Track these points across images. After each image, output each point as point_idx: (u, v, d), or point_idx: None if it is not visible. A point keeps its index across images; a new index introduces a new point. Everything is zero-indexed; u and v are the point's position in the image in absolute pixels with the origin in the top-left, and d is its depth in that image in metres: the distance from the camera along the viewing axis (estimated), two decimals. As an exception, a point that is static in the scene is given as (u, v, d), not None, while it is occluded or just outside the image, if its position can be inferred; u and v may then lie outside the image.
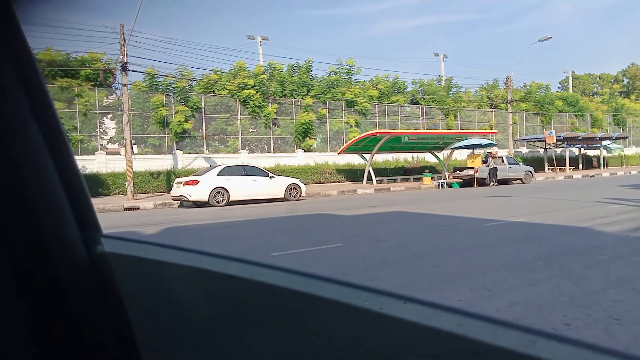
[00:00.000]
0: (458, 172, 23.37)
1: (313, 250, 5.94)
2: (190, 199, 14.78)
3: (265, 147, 27.37)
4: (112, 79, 17.72)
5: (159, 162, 22.14)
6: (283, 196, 16.22)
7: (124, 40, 17.01)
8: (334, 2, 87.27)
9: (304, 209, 12.23)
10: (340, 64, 30.06)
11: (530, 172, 24.60)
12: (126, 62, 16.93)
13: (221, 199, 15.06)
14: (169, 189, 21.50)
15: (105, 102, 23.19)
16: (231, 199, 15.22)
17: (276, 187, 16.23)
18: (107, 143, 23.88)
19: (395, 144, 24.60)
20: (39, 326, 0.75)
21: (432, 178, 23.95)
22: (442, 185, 22.55)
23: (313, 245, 6.28)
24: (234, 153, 25.12)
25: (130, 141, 17.17)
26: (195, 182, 14.91)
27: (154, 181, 21.31)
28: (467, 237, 6.70)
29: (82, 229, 0.83)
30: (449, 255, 5.41)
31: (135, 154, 18.09)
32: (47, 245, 0.77)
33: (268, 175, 16.30)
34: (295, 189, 16.63)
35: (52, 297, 0.76)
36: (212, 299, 0.75)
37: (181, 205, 15.97)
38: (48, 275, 0.76)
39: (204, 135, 25.07)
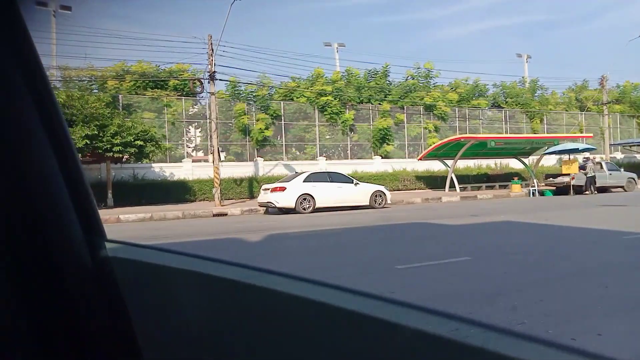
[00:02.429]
0: (551, 179, 21.79)
1: (441, 263, 5.45)
2: (277, 205, 14.76)
3: (342, 153, 27.14)
4: (200, 89, 18.28)
5: (241, 169, 22.53)
6: (368, 203, 15.78)
7: (212, 50, 17.45)
8: (397, 9, 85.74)
9: (399, 217, 11.73)
10: (418, 68, 29.29)
11: (634, 179, 22.45)
12: (214, 72, 17.35)
13: (307, 205, 14.90)
14: (251, 195, 21.83)
15: (191, 111, 24.06)
16: (317, 205, 15.03)
17: (361, 194, 15.84)
18: (192, 151, 24.73)
19: (479, 150, 23.46)
20: (42, 328, 0.75)
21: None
22: (533, 193, 21.08)
23: (437, 258, 5.79)
24: (312, 160, 25.11)
25: (218, 149, 17.55)
26: (283, 189, 14.87)
27: (237, 188, 21.70)
28: (614, 253, 5.91)
29: (87, 233, 0.83)
30: (609, 274, 4.71)
31: (222, 161, 18.47)
32: (51, 248, 0.77)
33: (353, 182, 15.96)
34: (381, 196, 16.15)
35: (56, 299, 0.76)
36: (215, 305, 0.75)
37: (267, 212, 16.02)
38: (52, 278, 0.76)
39: (284, 143, 25.29)
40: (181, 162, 22.38)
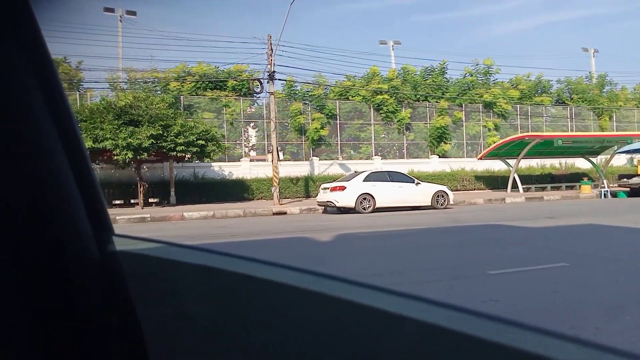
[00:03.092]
0: (625, 179, 20.41)
1: (537, 269, 5.08)
2: (337, 204, 14.62)
3: (398, 152, 26.66)
4: (260, 88, 18.46)
5: (297, 169, 22.61)
6: (429, 204, 15.34)
7: (271, 50, 17.55)
8: (452, 6, 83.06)
9: (467, 219, 11.27)
10: (477, 64, 28.31)
11: None
12: (274, 71, 17.43)
13: (367, 205, 14.67)
14: (307, 194, 21.86)
15: (249, 111, 24.39)
16: (377, 205, 14.76)
17: (422, 194, 15.41)
18: (249, 150, 25.05)
19: (543, 149, 22.36)
20: (50, 321, 0.76)
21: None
22: (605, 195, 19.82)
23: (529, 263, 5.41)
24: (366, 159, 24.84)
25: (277, 148, 17.62)
26: (342, 188, 14.71)
27: (293, 187, 21.78)
28: None
29: (95, 227, 0.83)
30: None
31: (280, 160, 18.55)
32: (59, 242, 0.78)
33: (414, 182, 15.56)
34: (443, 196, 15.65)
35: (64, 293, 0.77)
36: (224, 299, 0.75)
37: (325, 211, 15.93)
38: (60, 271, 0.77)
39: (339, 142, 25.16)
40: (239, 161, 22.73)
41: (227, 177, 21.70)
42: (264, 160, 23.84)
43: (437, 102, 26.38)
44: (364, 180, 14.96)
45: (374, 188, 14.87)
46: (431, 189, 15.73)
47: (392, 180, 15.33)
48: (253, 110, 24.70)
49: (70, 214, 0.80)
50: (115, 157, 15.86)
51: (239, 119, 23.63)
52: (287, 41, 21.67)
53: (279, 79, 18.25)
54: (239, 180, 21.35)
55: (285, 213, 15.72)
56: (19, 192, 0.75)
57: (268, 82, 17.82)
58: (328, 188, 15.17)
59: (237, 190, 20.80)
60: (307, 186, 21.95)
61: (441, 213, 13.61)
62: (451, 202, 15.77)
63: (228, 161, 22.58)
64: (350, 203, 14.54)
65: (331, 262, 5.92)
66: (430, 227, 9.88)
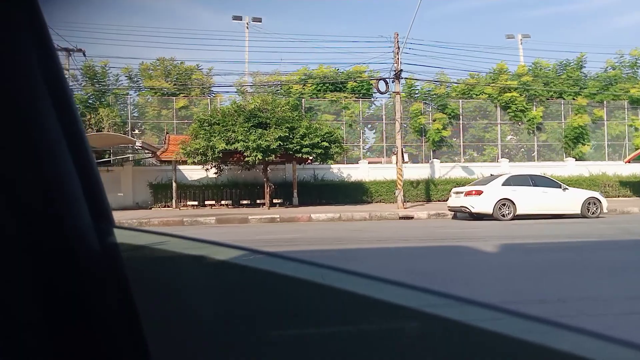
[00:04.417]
0: None
1: None
2: (472, 210, 13.60)
3: (526, 155, 24.55)
4: (385, 88, 17.95)
5: (416, 171, 21.75)
6: (579, 212, 13.68)
7: (398, 48, 16.97)
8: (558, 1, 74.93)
9: (643, 231, 9.69)
10: (621, 56, 25.14)
11: None
12: (400, 70, 16.83)
13: (507, 212, 13.44)
14: (427, 198, 20.94)
15: (367, 113, 24.04)
16: (517, 212, 13.47)
17: (571, 201, 13.80)
18: (366, 152, 24.72)
19: None
20: (50, 312, 0.76)
21: None
22: None
23: None
24: (491, 162, 23.20)
25: (402, 149, 16.98)
26: (479, 193, 13.65)
27: (413, 190, 20.98)
28: None
29: (96, 219, 0.83)
30: None
31: (405, 162, 17.85)
32: (59, 234, 0.78)
33: (560, 187, 14.00)
34: (595, 203, 13.88)
35: (62, 284, 0.77)
36: (223, 290, 0.75)
37: (455, 217, 14.97)
38: (60, 263, 0.77)
39: (461, 143, 23.81)
40: (357, 163, 22.47)
41: (346, 179, 21.53)
42: (380, 162, 23.34)
43: (573, 99, 23.85)
44: (502, 184, 13.76)
45: (514, 193, 13.61)
46: (581, 195, 14.06)
47: (535, 185, 13.94)
48: (371, 111, 24.31)
49: (70, 206, 0.79)
50: (247, 158, 16.35)
51: (357, 121, 23.40)
52: (412, 38, 20.95)
53: (406, 78, 17.58)
54: (358, 182, 21.07)
55: (412, 217, 15.03)
56: (18, 184, 0.74)
57: (393, 82, 17.27)
58: (461, 192, 14.20)
59: (355, 193, 20.53)
60: (427, 189, 21.03)
61: (599, 223, 11.98)
62: (605, 211, 13.93)
63: (346, 163, 22.42)
64: (488, 209, 13.44)
65: (519, 279, 5.15)
66: (601, 240, 8.58)
